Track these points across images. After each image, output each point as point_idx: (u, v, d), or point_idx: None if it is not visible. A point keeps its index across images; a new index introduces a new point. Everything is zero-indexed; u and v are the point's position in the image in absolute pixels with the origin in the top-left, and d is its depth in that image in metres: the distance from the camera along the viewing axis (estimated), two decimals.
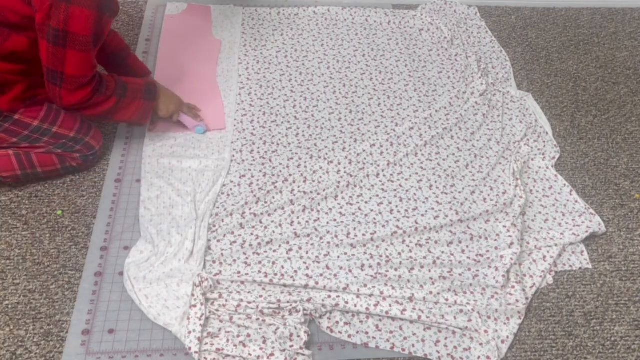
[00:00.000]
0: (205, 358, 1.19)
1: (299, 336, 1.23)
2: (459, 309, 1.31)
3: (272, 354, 1.19)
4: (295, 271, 1.35)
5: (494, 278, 1.36)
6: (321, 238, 1.42)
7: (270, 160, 1.61)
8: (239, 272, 1.33)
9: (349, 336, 1.27)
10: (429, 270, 1.37)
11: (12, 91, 1.35)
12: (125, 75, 1.61)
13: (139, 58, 1.75)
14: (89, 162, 1.53)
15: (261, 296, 1.29)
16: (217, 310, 1.27)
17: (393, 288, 1.33)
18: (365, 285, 1.32)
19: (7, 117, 1.34)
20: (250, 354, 1.19)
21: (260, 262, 1.36)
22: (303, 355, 1.21)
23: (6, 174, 1.44)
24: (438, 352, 1.25)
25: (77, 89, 1.35)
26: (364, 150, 1.65)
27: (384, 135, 1.70)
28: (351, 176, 1.57)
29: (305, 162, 1.61)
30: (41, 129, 1.40)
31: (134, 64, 1.69)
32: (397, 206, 1.52)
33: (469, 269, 1.39)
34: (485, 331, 1.27)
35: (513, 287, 1.36)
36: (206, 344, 1.20)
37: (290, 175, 1.56)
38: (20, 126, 1.37)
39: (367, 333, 1.27)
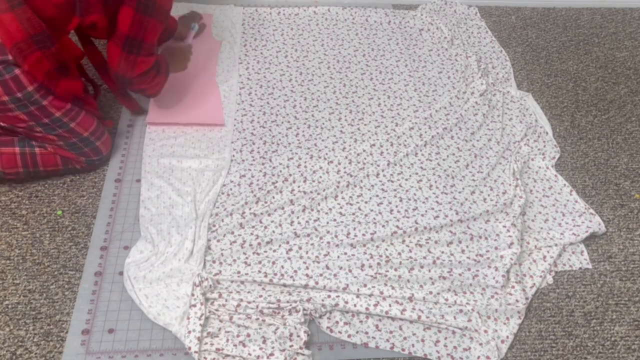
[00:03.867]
0: (205, 358, 1.19)
1: (298, 336, 1.23)
2: (458, 309, 1.31)
3: (271, 354, 1.19)
4: (295, 271, 1.35)
5: (494, 278, 1.36)
6: (321, 238, 1.42)
7: (270, 160, 1.61)
8: (238, 272, 1.34)
9: (349, 336, 1.27)
10: (429, 270, 1.37)
11: (68, 77, 1.38)
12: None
13: None
14: (94, 166, 1.54)
15: (261, 296, 1.29)
16: (217, 310, 1.27)
17: (393, 288, 1.33)
18: (365, 285, 1.32)
19: (36, 100, 1.34)
20: (250, 354, 1.19)
21: (260, 262, 1.36)
22: (303, 355, 1.21)
23: (9, 170, 1.44)
24: (438, 352, 1.25)
25: (148, 56, 1.43)
26: (364, 150, 1.65)
27: (384, 135, 1.70)
28: (351, 176, 1.57)
29: (305, 162, 1.61)
30: (61, 121, 1.40)
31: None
32: (397, 206, 1.52)
33: (469, 269, 1.39)
34: (485, 331, 1.27)
35: (513, 287, 1.36)
36: (206, 343, 1.20)
37: (290, 175, 1.56)
38: (44, 113, 1.37)
39: (366, 333, 1.27)
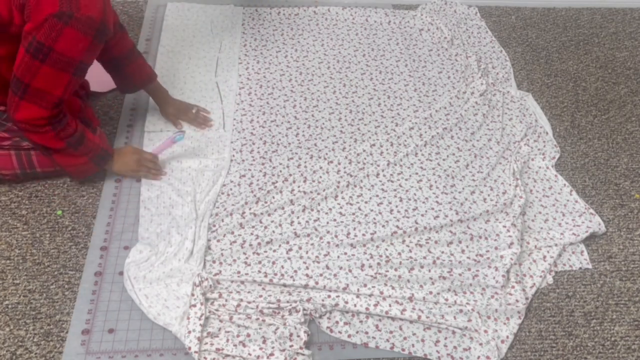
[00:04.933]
0: (205, 358, 1.19)
1: (298, 336, 1.23)
2: (458, 309, 1.31)
3: (271, 354, 1.19)
4: (295, 271, 1.35)
5: (494, 278, 1.36)
6: (321, 238, 1.42)
7: (270, 160, 1.61)
8: (238, 272, 1.33)
9: (349, 336, 1.27)
10: (429, 270, 1.37)
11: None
12: (123, 82, 1.60)
13: (145, 62, 1.62)
14: None
15: (261, 296, 1.29)
16: (217, 310, 1.27)
17: (393, 288, 1.33)
18: (365, 285, 1.32)
19: (9, 116, 1.33)
20: (250, 354, 1.19)
21: (260, 262, 1.36)
22: (303, 355, 1.21)
23: (6, 172, 1.44)
24: (438, 352, 1.25)
25: (35, 105, 1.27)
26: (364, 150, 1.65)
27: (384, 135, 1.70)
28: (351, 176, 1.57)
29: (305, 162, 1.61)
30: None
31: (134, 71, 1.58)
32: (397, 206, 1.52)
33: (469, 269, 1.39)
34: (485, 331, 1.27)
35: (513, 287, 1.36)
36: (206, 343, 1.20)
37: (290, 175, 1.56)
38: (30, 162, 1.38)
39: (366, 333, 1.27)
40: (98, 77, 1.68)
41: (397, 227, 1.45)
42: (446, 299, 1.32)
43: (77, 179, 1.50)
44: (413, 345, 1.26)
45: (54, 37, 1.19)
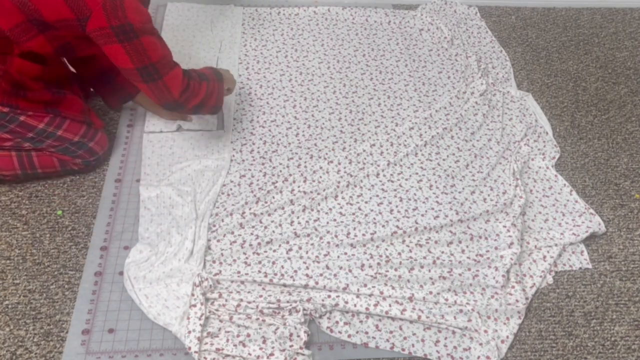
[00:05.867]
0: (205, 358, 1.19)
1: (298, 336, 1.23)
2: (458, 309, 1.31)
3: (271, 354, 1.19)
4: (295, 271, 1.35)
5: (494, 278, 1.36)
6: (321, 238, 1.42)
7: (270, 160, 1.61)
8: (238, 272, 1.33)
9: (349, 336, 1.27)
10: (429, 270, 1.37)
11: (31, 93, 1.34)
12: (110, 95, 1.60)
13: None
14: (91, 166, 1.53)
15: (261, 296, 1.29)
16: (217, 310, 1.27)
17: (393, 288, 1.33)
18: (365, 285, 1.32)
19: (12, 118, 1.33)
20: (250, 354, 1.19)
21: (260, 262, 1.36)
22: (303, 355, 1.21)
23: (6, 172, 1.44)
24: (438, 352, 1.25)
25: (173, 72, 1.32)
26: (364, 150, 1.65)
27: (384, 135, 1.70)
28: (351, 176, 1.57)
29: (305, 162, 1.61)
30: (46, 132, 1.39)
31: (124, 82, 1.58)
32: (397, 206, 1.52)
33: (469, 269, 1.39)
34: (485, 331, 1.27)
35: (513, 287, 1.36)
36: (206, 343, 1.20)
37: (290, 175, 1.56)
38: (25, 128, 1.36)
39: (366, 333, 1.27)
40: None
41: (397, 227, 1.45)
42: (446, 299, 1.32)
43: (220, 108, 1.52)
44: (413, 345, 1.26)
45: (122, 14, 1.21)
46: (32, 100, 1.34)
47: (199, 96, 1.40)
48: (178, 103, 1.38)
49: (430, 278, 1.36)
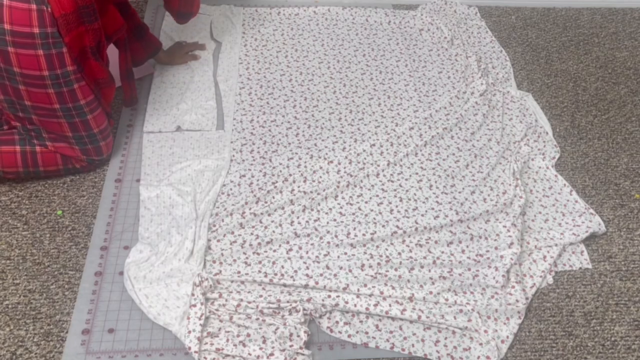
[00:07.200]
0: (205, 358, 1.19)
1: (298, 336, 1.23)
2: (458, 309, 1.31)
3: (271, 354, 1.19)
4: (295, 271, 1.35)
5: (494, 278, 1.36)
6: (321, 238, 1.42)
7: (270, 160, 1.61)
8: (239, 272, 1.34)
9: (349, 336, 1.27)
10: (429, 270, 1.37)
11: (99, 62, 1.41)
12: (139, 50, 1.72)
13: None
14: (93, 166, 1.54)
15: (261, 296, 1.29)
16: (217, 309, 1.27)
17: (393, 288, 1.33)
18: (365, 285, 1.32)
19: (70, 81, 1.34)
20: (250, 354, 1.19)
21: (260, 262, 1.36)
22: (303, 355, 1.21)
23: (9, 169, 1.44)
24: (438, 352, 1.25)
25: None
26: (364, 150, 1.65)
27: (384, 135, 1.70)
28: (351, 176, 1.57)
29: (305, 162, 1.61)
30: (82, 110, 1.40)
31: (153, 37, 1.76)
32: (397, 206, 1.52)
33: (469, 269, 1.39)
34: (485, 331, 1.27)
35: (513, 287, 1.36)
36: (206, 343, 1.20)
37: (290, 175, 1.56)
38: (71, 97, 1.37)
39: (366, 333, 1.27)
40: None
41: (397, 227, 1.45)
42: (446, 299, 1.32)
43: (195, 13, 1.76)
44: (413, 345, 1.26)
45: None
46: (94, 69, 1.39)
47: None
48: (191, 13, 1.68)
49: (430, 278, 1.36)
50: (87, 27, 1.32)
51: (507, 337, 1.28)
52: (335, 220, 1.47)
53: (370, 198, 1.54)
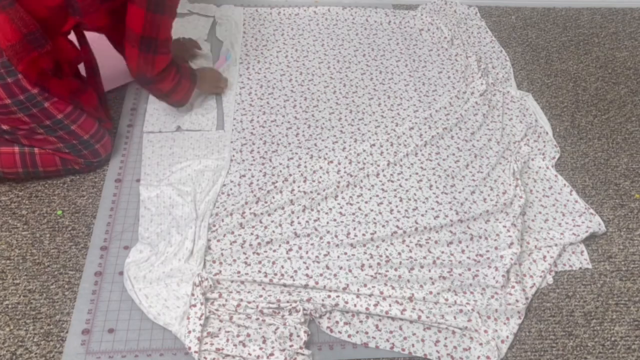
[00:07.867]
0: (205, 358, 1.19)
1: (298, 336, 1.23)
2: (458, 309, 1.31)
3: (271, 354, 1.19)
4: (295, 271, 1.35)
5: (494, 278, 1.36)
6: (321, 238, 1.42)
7: (270, 160, 1.61)
8: (238, 272, 1.34)
9: (349, 336, 1.27)
10: (429, 270, 1.37)
11: (64, 77, 1.39)
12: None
13: None
14: (92, 168, 1.54)
15: (261, 296, 1.29)
16: (217, 309, 1.27)
17: (393, 288, 1.33)
18: (365, 285, 1.32)
19: (38, 102, 1.33)
20: (250, 354, 1.19)
21: (260, 262, 1.36)
22: (303, 355, 1.21)
23: (8, 170, 1.44)
24: (438, 352, 1.25)
25: (164, 55, 1.42)
26: (364, 150, 1.65)
27: (384, 135, 1.70)
28: (351, 176, 1.57)
29: (305, 162, 1.61)
30: (62, 123, 1.40)
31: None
32: (397, 206, 1.52)
33: (469, 269, 1.39)
34: (485, 331, 1.27)
35: (513, 287, 1.36)
36: (206, 343, 1.20)
37: (290, 175, 1.56)
38: (45, 115, 1.36)
39: (366, 333, 1.27)
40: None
41: (397, 227, 1.45)
42: (446, 299, 1.32)
43: (183, 105, 1.65)
44: (413, 345, 1.26)
45: None
46: (62, 85, 1.37)
47: (170, 85, 1.52)
48: (151, 80, 1.47)
49: (430, 278, 1.36)
50: (40, 51, 1.29)
51: (507, 337, 1.28)
52: (335, 220, 1.47)
53: (370, 198, 1.54)
